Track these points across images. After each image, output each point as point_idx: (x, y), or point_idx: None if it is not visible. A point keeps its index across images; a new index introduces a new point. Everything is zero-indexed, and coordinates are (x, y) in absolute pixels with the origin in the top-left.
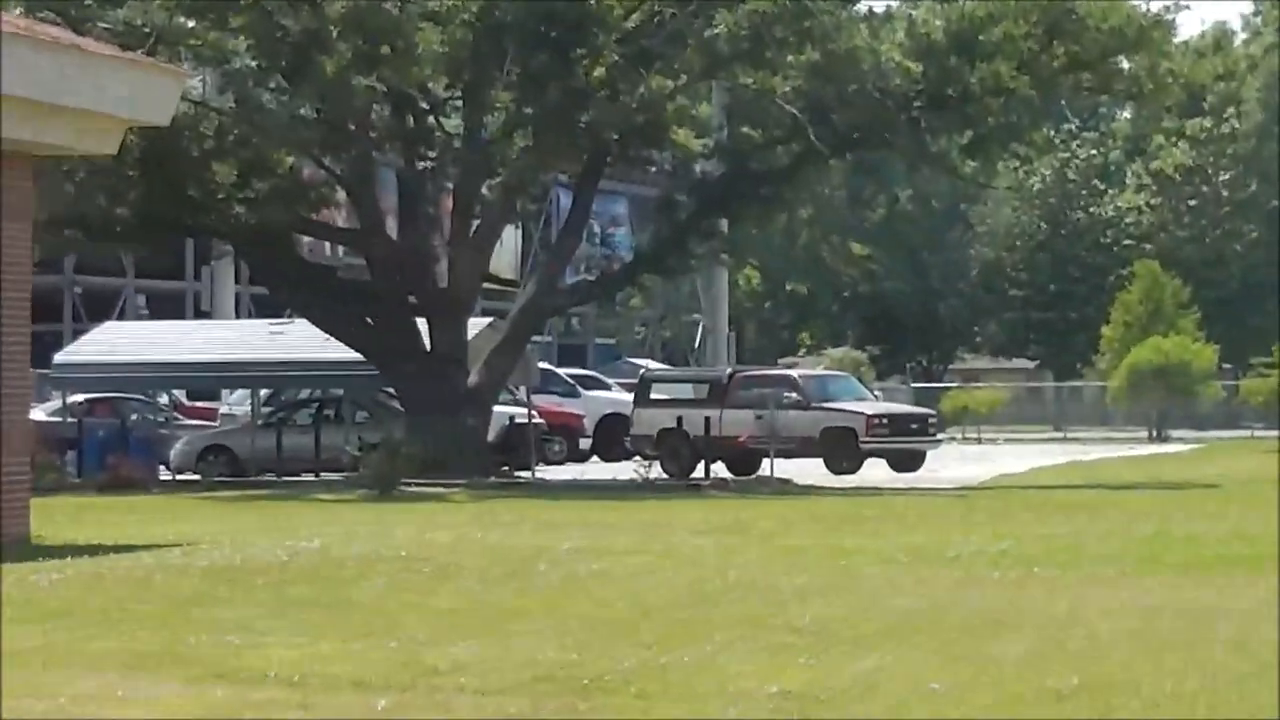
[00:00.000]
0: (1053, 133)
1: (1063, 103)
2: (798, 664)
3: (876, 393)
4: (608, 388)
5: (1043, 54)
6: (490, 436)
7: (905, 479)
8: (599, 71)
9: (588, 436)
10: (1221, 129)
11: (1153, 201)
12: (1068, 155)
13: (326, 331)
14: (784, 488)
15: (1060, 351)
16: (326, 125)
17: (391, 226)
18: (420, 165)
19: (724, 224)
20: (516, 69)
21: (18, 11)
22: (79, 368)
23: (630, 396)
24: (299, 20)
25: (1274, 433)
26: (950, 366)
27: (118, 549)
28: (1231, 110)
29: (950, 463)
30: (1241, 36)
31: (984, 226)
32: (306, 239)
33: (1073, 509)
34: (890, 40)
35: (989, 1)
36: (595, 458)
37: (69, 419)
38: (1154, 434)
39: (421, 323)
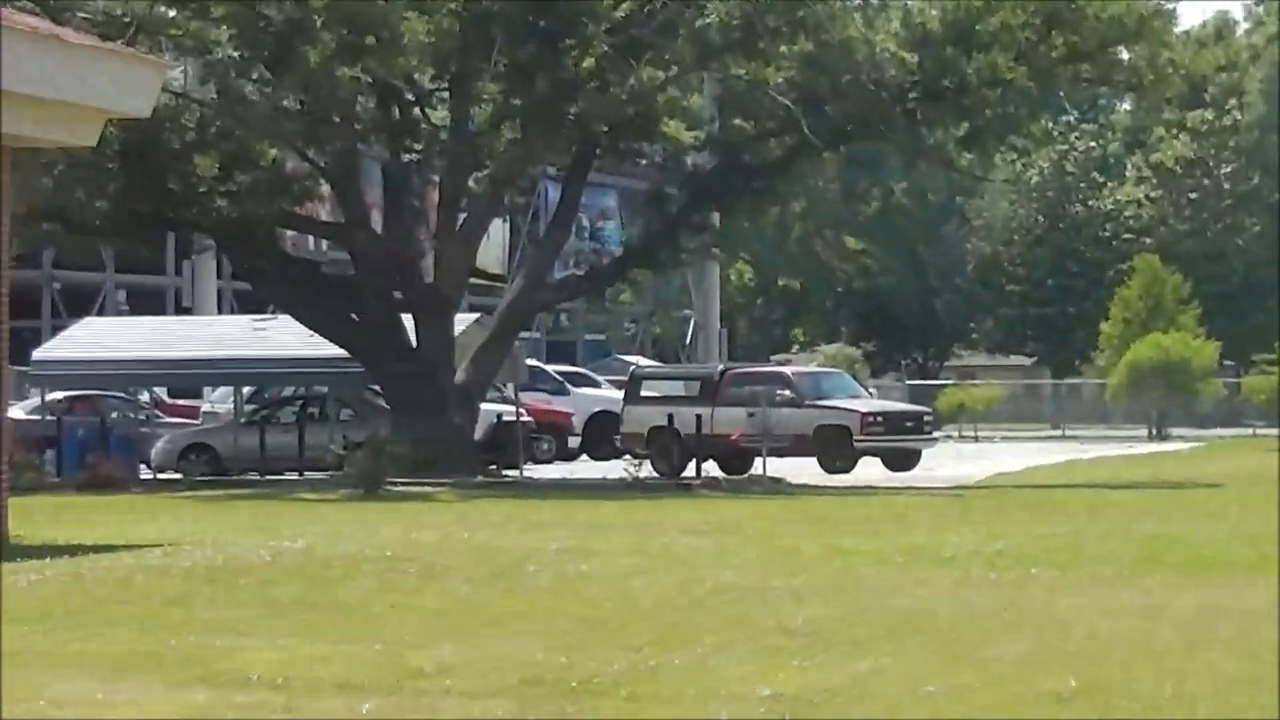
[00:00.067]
0: (1051, 125)
1: (1061, 94)
2: (790, 666)
3: (871, 390)
4: (597, 385)
5: (1041, 44)
6: (477, 435)
7: (900, 478)
8: (588, 62)
9: (577, 435)
10: (1223, 121)
11: (1153, 195)
12: (1066, 148)
13: (310, 327)
14: (777, 487)
15: (1058, 348)
16: (310, 117)
17: (376, 220)
18: (406, 158)
19: (716, 218)
20: (504, 59)
21: None
22: (58, 364)
23: (620, 394)
24: (282, 10)
25: (1275, 431)
26: (946, 363)
27: (97, 549)
28: (1233, 102)
29: (946, 461)
30: (1243, 27)
31: (980, 220)
32: (290, 233)
33: (1071, 508)
34: (885, 30)
35: None
36: (584, 456)
37: (48, 417)
38: (1154, 432)
39: (407, 318)
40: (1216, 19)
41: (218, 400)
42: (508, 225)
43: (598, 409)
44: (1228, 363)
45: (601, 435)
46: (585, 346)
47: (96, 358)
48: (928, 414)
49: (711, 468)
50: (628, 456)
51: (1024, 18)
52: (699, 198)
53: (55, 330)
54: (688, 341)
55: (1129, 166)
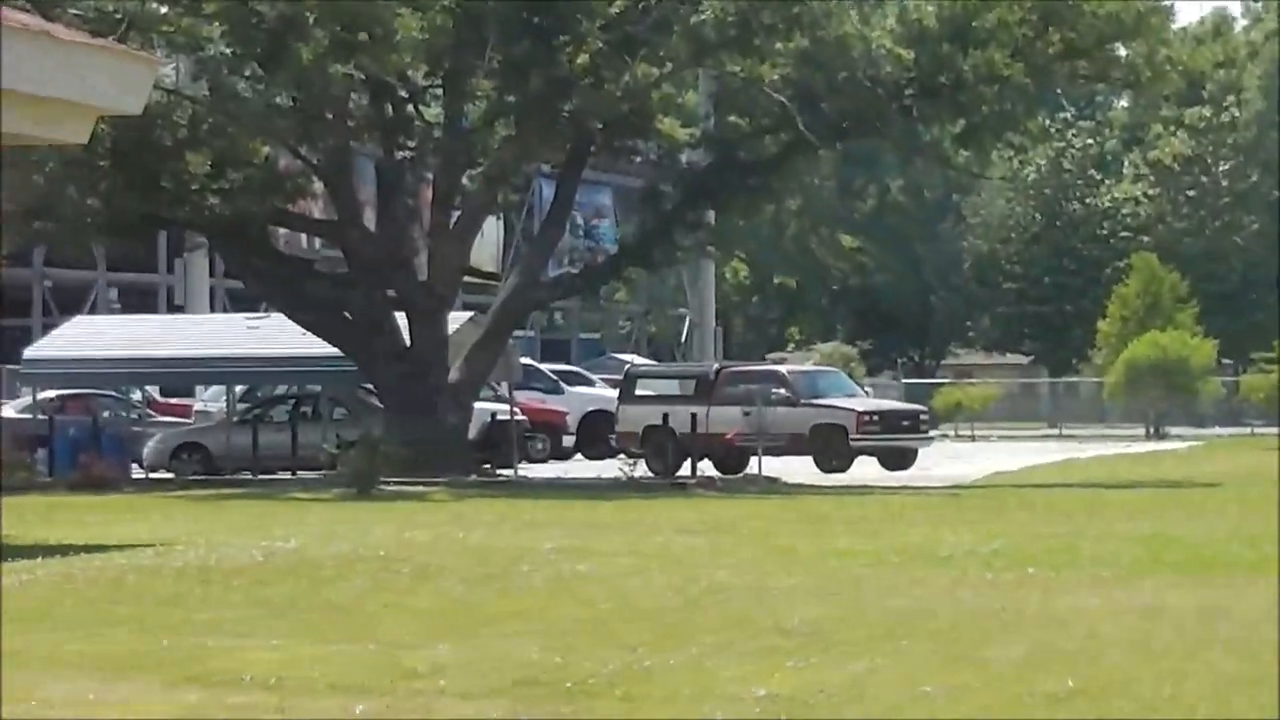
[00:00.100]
0: (1048, 121)
1: (1058, 91)
2: (786, 667)
3: (867, 389)
4: (592, 384)
5: (1038, 41)
6: (471, 434)
7: (897, 477)
8: (583, 59)
9: (571, 434)
10: (1221, 118)
11: (1151, 192)
12: (1063, 145)
13: (303, 326)
14: (772, 486)
15: (1055, 346)
16: (303, 114)
17: (370, 218)
18: (399, 155)
19: (711, 215)
20: (498, 56)
21: None
22: (49, 363)
23: (615, 393)
24: (274, 6)
25: (1274, 430)
26: (943, 362)
27: (89, 549)
28: (1231, 99)
29: (943, 461)
30: (1241, 23)
31: (977, 218)
32: (283, 231)
33: (1069, 508)
34: (881, 27)
35: None
36: (579, 455)
37: (39, 416)
38: (1152, 431)
39: (401, 317)
40: (1214, 15)
41: (210, 399)
42: (502, 223)
43: (592, 408)
44: (1226, 361)
45: (596, 434)
46: (580, 345)
47: (88, 356)
48: (924, 413)
49: (707, 467)
50: (622, 456)
51: (1021, 14)
52: (694, 195)
53: (46, 329)
54: (683, 340)
55: (1126, 164)
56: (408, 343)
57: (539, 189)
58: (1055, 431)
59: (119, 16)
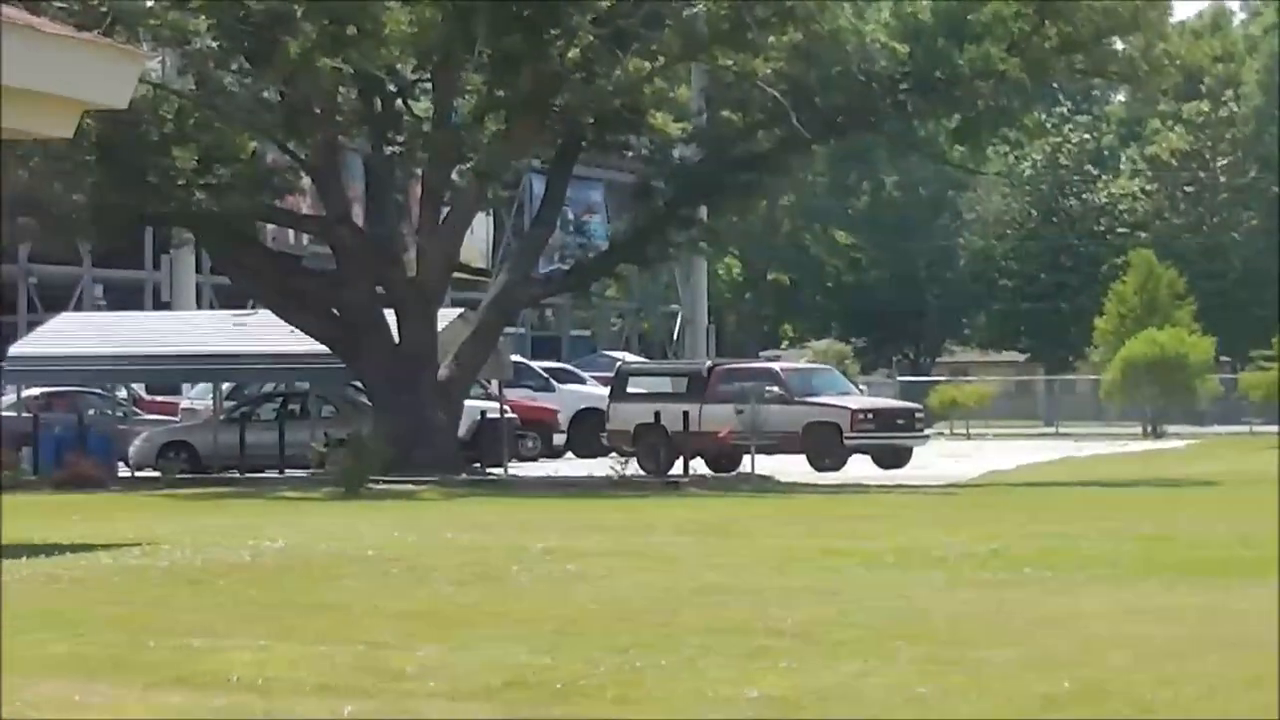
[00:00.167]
0: (1044, 116)
1: (1055, 85)
2: (779, 668)
3: (861, 387)
4: (583, 381)
5: (1034, 35)
6: (461, 432)
7: (891, 476)
8: (574, 53)
9: (562, 432)
10: (1219, 113)
11: (1148, 188)
12: (1060, 140)
13: (291, 323)
14: (765, 485)
15: (1052, 344)
16: (291, 109)
17: (358, 214)
18: (388, 150)
19: (703, 211)
20: (488, 50)
21: None
22: (34, 361)
23: (606, 390)
24: (262, 0)
25: (1273, 428)
26: (938, 359)
27: (74, 549)
28: (1230, 93)
29: (938, 459)
30: (1240, 17)
31: (973, 214)
32: (270, 227)
33: (1065, 507)
34: (876, 21)
35: None
36: (570, 454)
37: (24, 414)
38: (1149, 430)
39: (390, 314)
40: (1212, 9)
41: (197, 397)
42: (492, 219)
43: (583, 406)
44: (1224, 359)
45: (587, 432)
46: (570, 342)
47: (73, 353)
48: (919, 411)
49: (699, 466)
50: (614, 454)
51: (1017, 8)
52: (686, 191)
53: (31, 326)
54: (675, 337)
55: (1124, 159)
56: (397, 340)
57: (529, 185)
58: (1052, 430)
59: (104, 10)
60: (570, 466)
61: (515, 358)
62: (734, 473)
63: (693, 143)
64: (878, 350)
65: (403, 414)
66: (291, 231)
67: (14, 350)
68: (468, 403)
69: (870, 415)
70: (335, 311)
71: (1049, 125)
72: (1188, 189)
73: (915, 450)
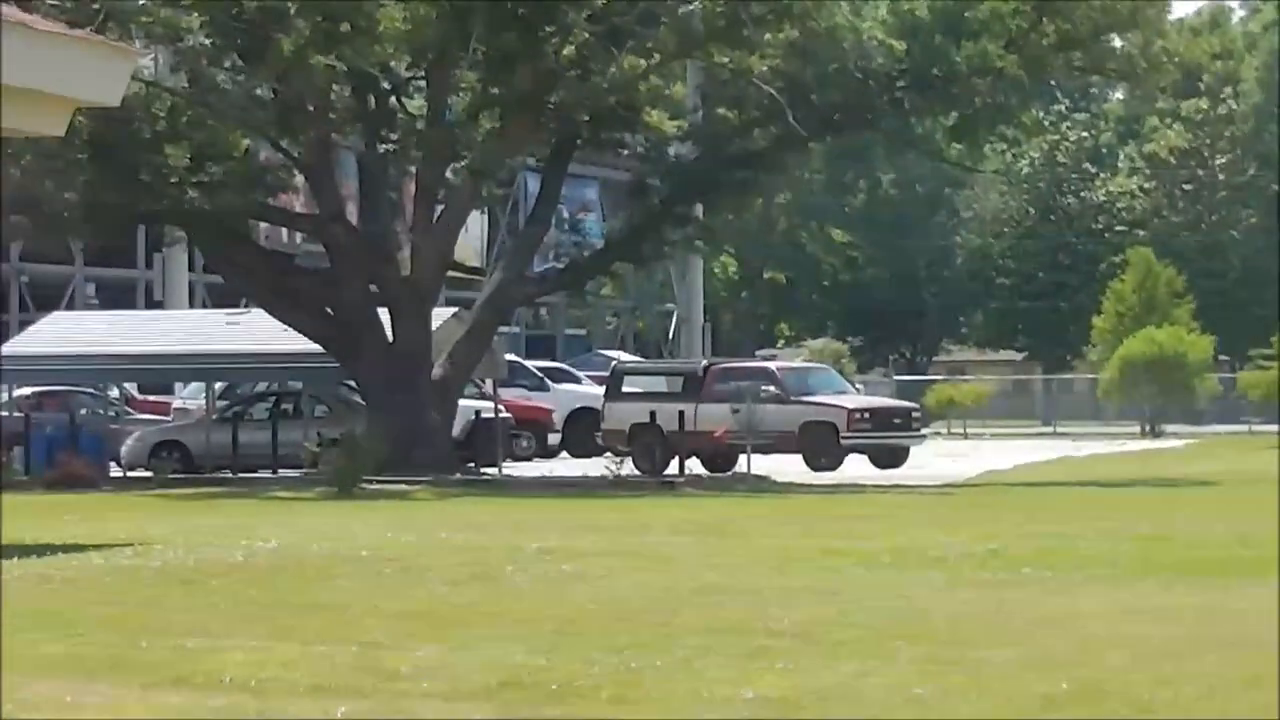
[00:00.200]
0: (1042, 114)
1: (1053, 83)
2: (776, 669)
3: (858, 386)
4: (578, 381)
5: (1032, 32)
6: (455, 432)
7: (888, 476)
8: (569, 50)
9: (557, 431)
10: (1218, 110)
11: (1146, 186)
12: (1058, 138)
13: (284, 322)
14: (761, 485)
15: (1050, 343)
16: (284, 106)
17: (352, 212)
18: (382, 148)
19: (699, 209)
20: (482, 47)
21: None
22: (26, 360)
23: (601, 390)
24: None
25: (1273, 428)
26: (935, 358)
27: (66, 549)
28: (1228, 91)
29: (935, 459)
30: (1239, 14)
31: (970, 212)
32: (263, 225)
33: (1063, 507)
34: (873, 17)
35: None
36: (565, 454)
37: (16, 413)
38: (1147, 429)
39: (383, 313)
40: (1211, 6)
41: (189, 396)
42: (486, 217)
43: (578, 405)
44: (1223, 358)
45: (582, 432)
46: (565, 341)
47: (65, 353)
48: (916, 410)
49: (695, 465)
50: (609, 454)
51: (1015, 5)
52: (682, 189)
53: (23, 325)
54: (670, 336)
55: (1122, 157)
56: (390, 339)
57: (524, 183)
58: (1049, 429)
59: (97, 7)
60: (565, 466)
61: (510, 357)
62: (730, 473)
63: (688, 140)
64: (874, 349)
65: (397, 413)
66: (285, 230)
67: (5, 349)
68: (462, 402)
69: (867, 415)
70: (328, 310)
71: (1047, 123)
72: (1186, 187)
73: (912, 450)
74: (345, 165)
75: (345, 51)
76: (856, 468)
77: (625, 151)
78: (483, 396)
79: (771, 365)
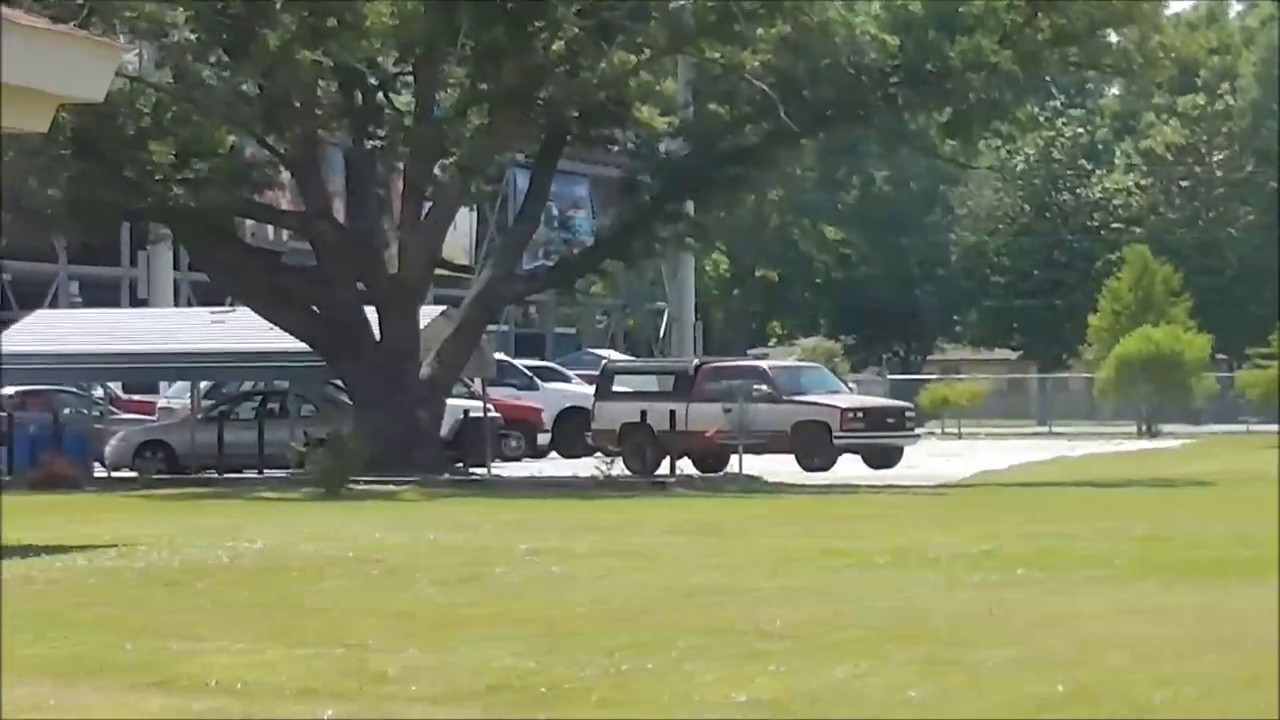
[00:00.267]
0: (1037, 110)
1: (1048, 78)
2: (768, 671)
3: (851, 385)
4: (567, 380)
5: (1027, 27)
6: (443, 431)
7: (882, 476)
8: (558, 45)
9: (546, 431)
10: (1215, 106)
11: (1143, 182)
12: (1053, 134)
13: (270, 320)
14: (753, 485)
15: (1045, 342)
16: (270, 102)
17: (339, 209)
18: (369, 145)
19: (690, 206)
20: (470, 42)
21: None
22: (9, 359)
23: (591, 389)
24: None
25: (1271, 427)
26: (929, 357)
27: (50, 550)
28: (1226, 86)
29: (929, 459)
30: (1236, 8)
31: (964, 209)
32: (249, 222)
33: (1059, 508)
34: (865, 12)
35: None
36: (554, 454)
37: None
38: (1144, 429)
39: (371, 311)
40: (1209, 0)
41: (174, 396)
42: (475, 214)
43: (568, 405)
44: (1221, 356)
45: (572, 432)
46: (555, 340)
47: (49, 351)
48: (910, 410)
49: (686, 465)
50: (599, 454)
51: None
52: (673, 186)
53: (6, 323)
54: (661, 335)
55: (1118, 153)
56: (378, 338)
57: (513, 179)
58: (1045, 429)
59: (80, 2)
60: (555, 466)
61: (499, 355)
62: (721, 473)
63: (679, 136)
64: (867, 348)
65: (384, 413)
66: (271, 227)
67: None
68: (450, 401)
69: (860, 414)
70: (315, 309)
71: (1042, 119)
72: (1183, 184)
73: (906, 450)
74: (332, 162)
75: (332, 47)
76: (849, 468)
77: (615, 148)
78: (471, 396)
79: (763, 364)
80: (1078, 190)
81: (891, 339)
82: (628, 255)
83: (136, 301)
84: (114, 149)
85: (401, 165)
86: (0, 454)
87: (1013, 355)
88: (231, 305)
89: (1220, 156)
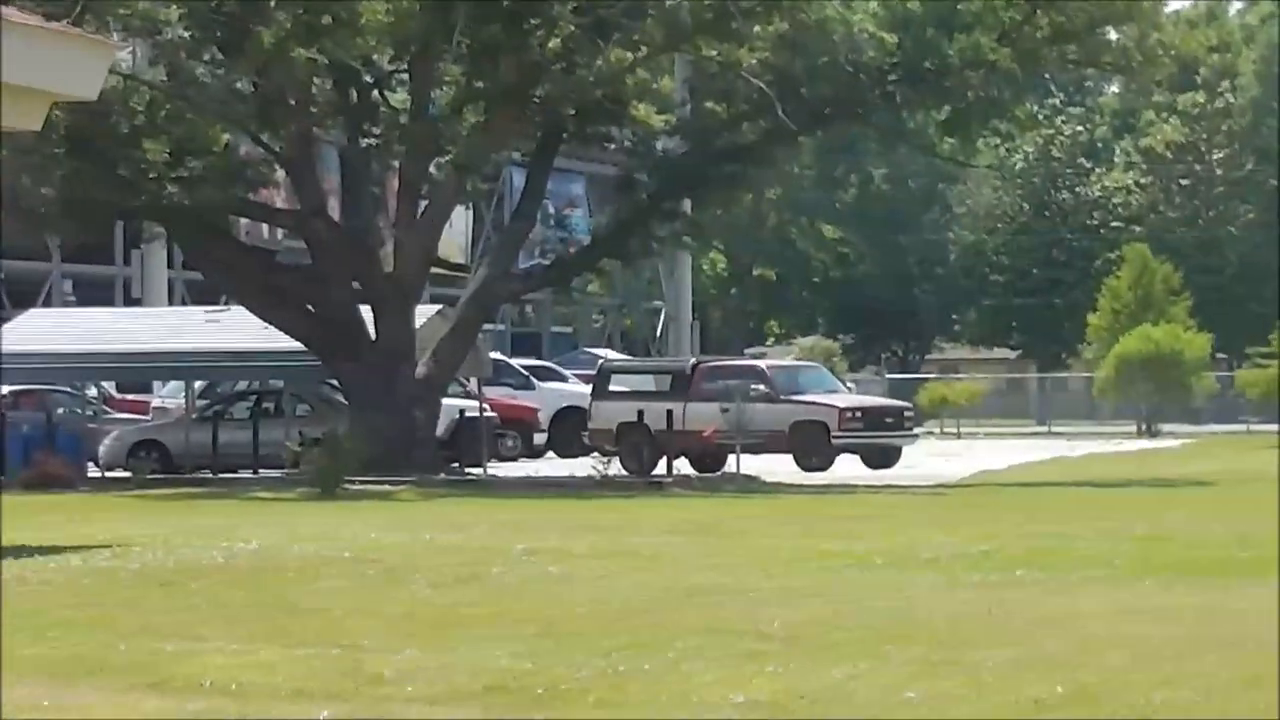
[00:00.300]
0: (1036, 108)
1: (1047, 76)
2: (766, 672)
3: (849, 384)
4: (564, 379)
5: (1025, 24)
6: (439, 431)
7: (880, 476)
8: (554, 43)
9: (543, 431)
10: (1215, 104)
11: (1142, 181)
12: (1052, 132)
13: (265, 319)
14: (751, 485)
15: (1044, 341)
16: (264, 100)
17: (334, 208)
18: (364, 143)
19: (687, 205)
20: (466, 40)
21: None
22: (1, 358)
23: (588, 389)
24: None
25: (1271, 427)
26: (927, 356)
27: (43, 550)
28: (1226, 84)
29: (927, 459)
30: (1236, 6)
31: (963, 208)
32: (244, 221)
33: (1058, 508)
34: (863, 10)
35: None
36: (551, 453)
37: None
38: (1143, 428)
39: (366, 310)
40: None
41: (168, 395)
42: (471, 213)
43: (565, 404)
44: (1220, 356)
45: (569, 432)
46: (551, 339)
47: (42, 351)
48: (908, 409)
49: (683, 465)
50: (596, 454)
51: None
52: (670, 184)
53: None
54: (658, 334)
55: (1117, 152)
56: (373, 337)
57: (509, 178)
58: (1044, 429)
59: None
60: (551, 466)
61: (495, 355)
62: (719, 473)
63: (676, 135)
64: (866, 347)
65: (379, 413)
66: (265, 226)
67: None
68: (446, 401)
69: (858, 414)
70: (310, 308)
71: (1041, 117)
72: (1183, 182)
73: (904, 450)
74: (327, 160)
75: (327, 44)
76: (848, 468)
77: (612, 146)
78: (467, 395)
79: (761, 363)
80: (1077, 189)
81: (890, 338)
82: (624, 254)
83: (130, 300)
84: (108, 147)
85: (397, 163)
86: None
87: (1012, 355)
88: (226, 304)
89: (1220, 155)
